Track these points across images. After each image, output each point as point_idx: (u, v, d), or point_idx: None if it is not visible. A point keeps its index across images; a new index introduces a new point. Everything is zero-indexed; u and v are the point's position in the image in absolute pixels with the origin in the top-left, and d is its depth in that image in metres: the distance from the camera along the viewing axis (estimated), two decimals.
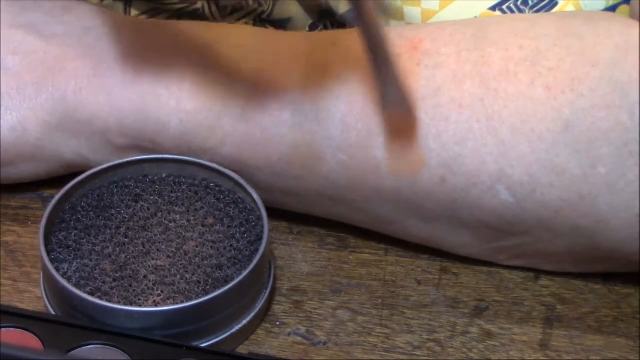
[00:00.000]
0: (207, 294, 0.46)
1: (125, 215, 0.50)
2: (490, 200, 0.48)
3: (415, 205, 0.49)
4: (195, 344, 0.46)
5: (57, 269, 0.47)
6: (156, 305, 0.46)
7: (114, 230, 0.49)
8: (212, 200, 0.51)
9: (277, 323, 0.49)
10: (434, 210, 0.49)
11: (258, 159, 0.50)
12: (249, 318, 0.48)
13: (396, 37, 0.49)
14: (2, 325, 0.45)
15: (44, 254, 0.47)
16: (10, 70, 0.52)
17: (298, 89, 0.49)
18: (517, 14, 0.55)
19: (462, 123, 0.47)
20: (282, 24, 0.61)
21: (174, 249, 0.49)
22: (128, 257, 0.48)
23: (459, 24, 0.50)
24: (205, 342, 0.46)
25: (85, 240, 0.49)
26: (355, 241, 0.54)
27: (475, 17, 0.55)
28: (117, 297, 0.46)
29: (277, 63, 0.50)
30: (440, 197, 0.48)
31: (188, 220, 0.50)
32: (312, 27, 0.61)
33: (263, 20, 0.61)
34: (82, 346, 0.45)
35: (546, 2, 0.54)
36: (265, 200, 0.50)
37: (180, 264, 0.48)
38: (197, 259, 0.48)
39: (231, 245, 0.49)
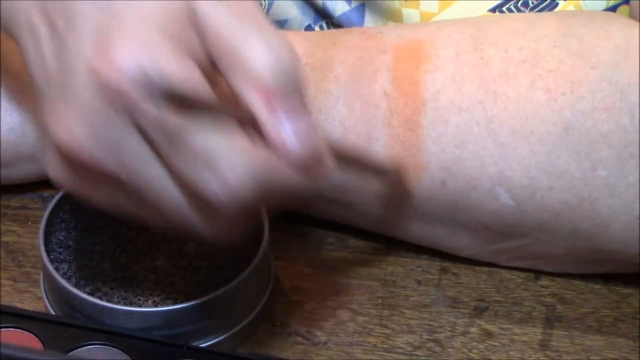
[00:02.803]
0: (207, 294, 0.46)
1: None
2: (490, 203, 0.48)
3: (416, 208, 0.49)
4: (195, 344, 0.46)
5: (57, 269, 0.47)
6: (156, 305, 0.46)
7: (114, 230, 0.49)
8: None
9: (277, 323, 0.49)
10: (434, 213, 0.49)
11: None
12: (249, 318, 0.48)
13: (394, 38, 0.49)
14: (2, 325, 0.45)
15: (44, 254, 0.46)
16: (9, 71, 0.52)
17: None
18: (516, 14, 0.54)
19: (462, 126, 0.47)
20: (278, 26, 0.61)
21: (174, 249, 0.49)
22: (128, 257, 0.48)
23: (457, 24, 0.50)
24: (205, 342, 0.46)
25: (85, 240, 0.49)
26: (355, 241, 0.53)
27: None
28: (117, 297, 0.47)
29: None
30: (441, 200, 0.48)
31: None
32: (308, 29, 0.61)
33: None
34: (82, 346, 0.45)
35: (546, 3, 0.54)
36: None
37: (180, 264, 0.48)
38: (197, 259, 0.48)
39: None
